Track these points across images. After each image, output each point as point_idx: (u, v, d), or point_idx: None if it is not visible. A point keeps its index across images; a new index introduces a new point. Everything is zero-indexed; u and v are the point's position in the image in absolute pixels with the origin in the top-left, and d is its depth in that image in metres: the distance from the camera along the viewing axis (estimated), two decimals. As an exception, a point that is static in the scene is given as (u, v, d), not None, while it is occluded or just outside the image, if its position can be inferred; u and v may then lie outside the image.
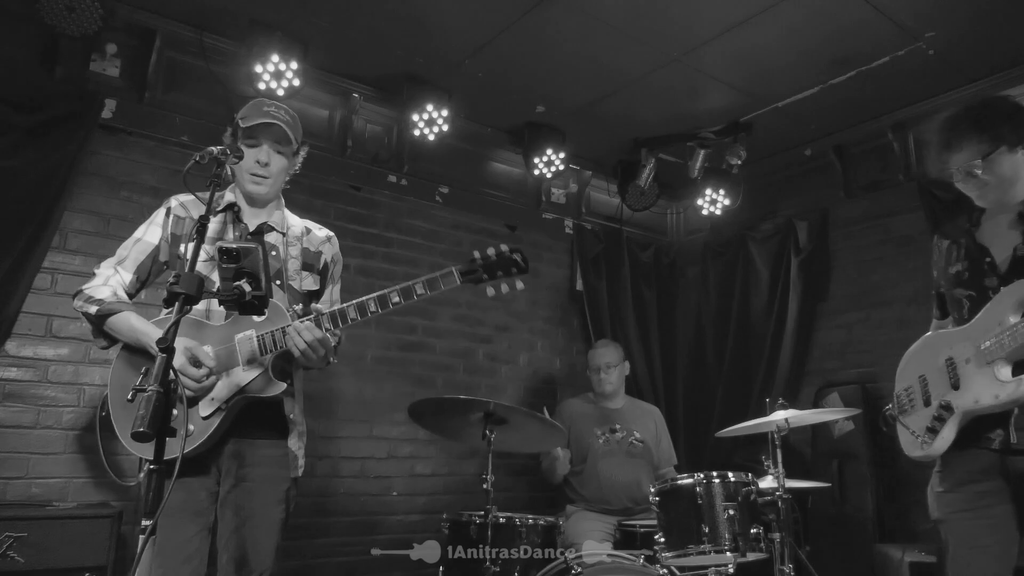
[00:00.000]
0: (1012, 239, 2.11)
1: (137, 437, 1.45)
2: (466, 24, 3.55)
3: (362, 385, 4.05)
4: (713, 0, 3.31)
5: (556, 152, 4.49)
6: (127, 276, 2.23)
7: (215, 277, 2.14)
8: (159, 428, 1.47)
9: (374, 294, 2.12)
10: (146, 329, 2.11)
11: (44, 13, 3.15)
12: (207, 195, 2.10)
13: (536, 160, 4.51)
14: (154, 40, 3.54)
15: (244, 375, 2.10)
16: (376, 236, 4.23)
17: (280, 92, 3.63)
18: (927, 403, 2.18)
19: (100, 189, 3.43)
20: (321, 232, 2.44)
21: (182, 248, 2.23)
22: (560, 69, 3.92)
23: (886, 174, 4.39)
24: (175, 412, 2.02)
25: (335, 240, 2.48)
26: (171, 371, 1.53)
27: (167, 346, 1.53)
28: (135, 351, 2.14)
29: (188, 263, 1.68)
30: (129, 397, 1.97)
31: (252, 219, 2.31)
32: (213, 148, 1.90)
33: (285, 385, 2.13)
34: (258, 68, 3.55)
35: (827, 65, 3.80)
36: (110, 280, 2.21)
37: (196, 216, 2.23)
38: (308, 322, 2.08)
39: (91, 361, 3.29)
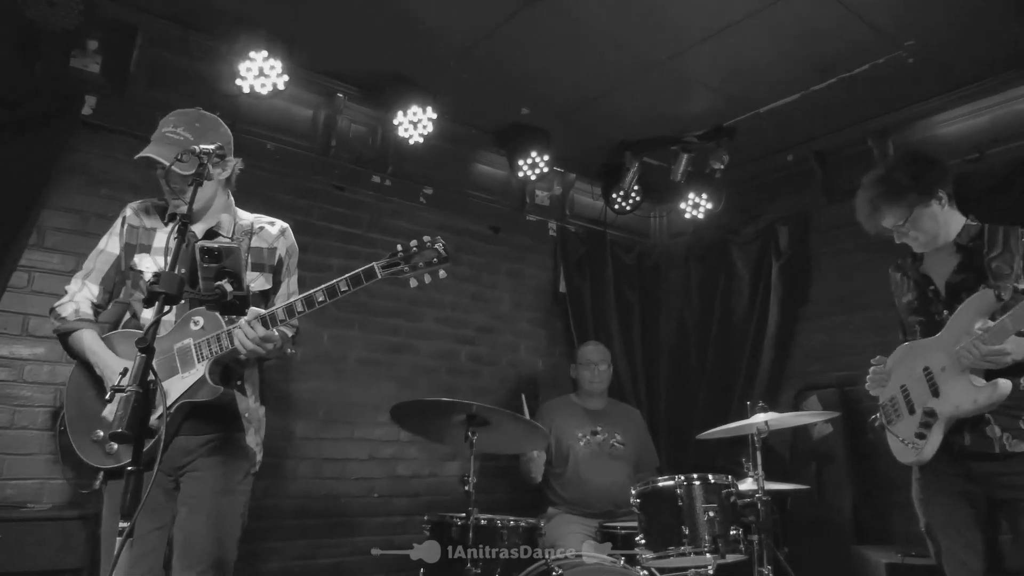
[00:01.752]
0: (948, 268, 2.40)
1: (116, 438, 1.45)
2: (452, 25, 3.55)
3: (344, 387, 4.03)
4: (697, 6, 3.33)
5: (540, 154, 4.50)
6: (94, 288, 2.29)
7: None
8: (138, 429, 1.46)
9: (302, 294, 2.16)
10: (95, 348, 2.17)
11: (25, 7, 3.11)
12: (163, 201, 2.24)
13: (520, 162, 4.51)
14: (136, 36, 3.50)
15: (182, 382, 2.13)
16: (359, 236, 4.22)
17: (263, 91, 3.61)
18: (911, 411, 2.36)
19: (80, 186, 3.38)
20: (274, 227, 2.43)
21: (135, 260, 2.25)
22: (546, 71, 3.93)
23: (866, 180, 4.44)
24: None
25: (289, 232, 2.47)
26: (151, 371, 1.52)
27: (146, 346, 1.52)
28: (90, 368, 2.19)
29: (169, 263, 1.68)
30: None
31: (199, 226, 2.31)
32: (195, 146, 1.91)
33: (222, 389, 2.14)
34: (242, 66, 3.52)
35: (809, 71, 3.84)
36: (76, 296, 2.27)
37: (148, 225, 2.29)
38: (253, 320, 2.09)
39: (68, 361, 3.17)
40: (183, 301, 1.72)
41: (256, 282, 2.31)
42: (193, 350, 2.13)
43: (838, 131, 4.46)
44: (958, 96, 3.96)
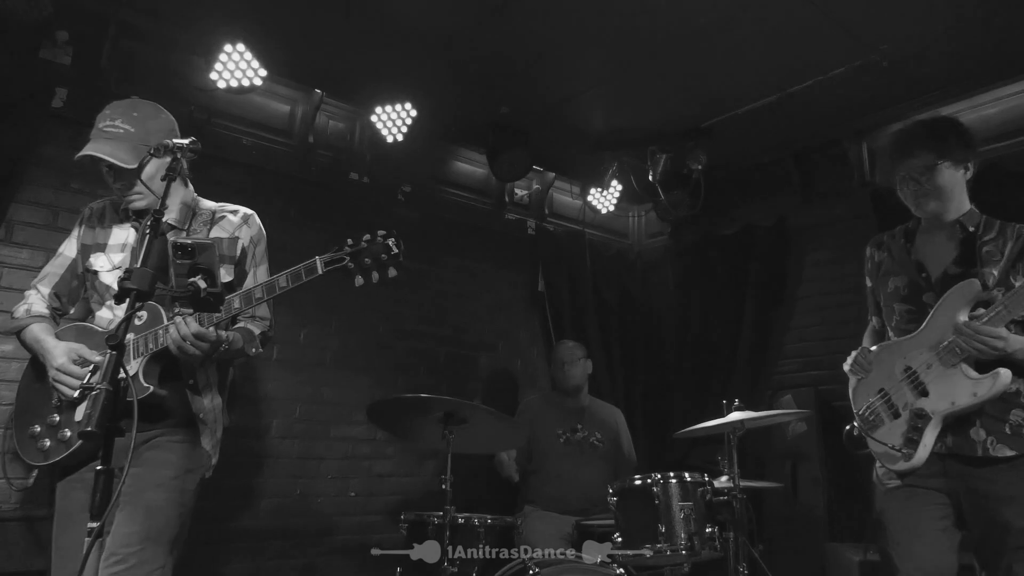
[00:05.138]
0: (947, 255, 2.24)
1: (85, 437, 1.42)
2: (432, 22, 3.53)
3: (321, 385, 3.99)
4: (675, 6, 3.34)
5: (520, 153, 4.48)
6: (45, 291, 2.25)
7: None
8: (107, 427, 1.43)
9: (239, 291, 2.08)
10: (39, 336, 2.13)
11: (-7, -2, 3.04)
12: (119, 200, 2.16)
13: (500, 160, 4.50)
14: (108, 28, 3.43)
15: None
16: (337, 235, 4.11)
17: (240, 85, 3.57)
18: (896, 415, 2.22)
19: (49, 180, 3.32)
20: (236, 215, 2.32)
21: (90, 260, 2.20)
22: (525, 70, 3.93)
23: (842, 182, 4.49)
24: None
25: (254, 219, 2.35)
26: (121, 369, 1.49)
27: (117, 343, 1.49)
28: (39, 363, 2.14)
29: (141, 258, 1.64)
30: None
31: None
32: (169, 140, 1.87)
33: (151, 390, 2.02)
34: (217, 61, 3.48)
35: (785, 74, 3.87)
36: (29, 298, 2.24)
37: (107, 222, 2.25)
38: (188, 318, 1.98)
39: (37, 358, 3.18)
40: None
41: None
42: (131, 346, 2.03)
43: (814, 133, 4.50)
44: (929, 100, 4.02)
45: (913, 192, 2.24)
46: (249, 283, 2.28)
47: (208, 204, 2.34)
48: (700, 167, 4.45)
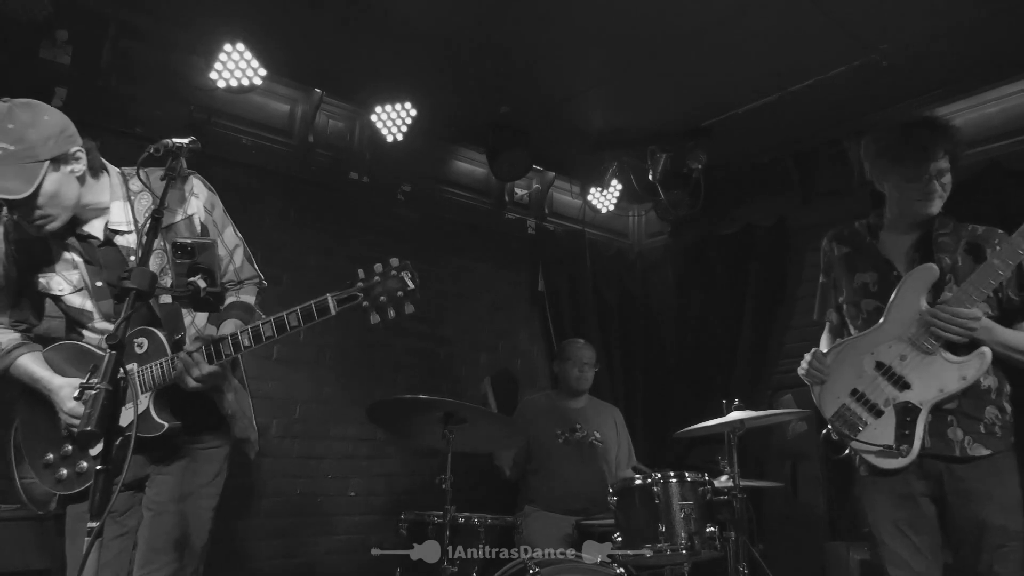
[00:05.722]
0: (910, 252, 2.26)
1: (83, 436, 1.41)
2: (432, 22, 3.53)
3: (321, 385, 4.00)
4: (675, 7, 3.34)
5: (520, 153, 4.48)
6: (3, 319, 2.09)
7: (89, 307, 2.04)
8: (107, 427, 1.43)
9: (249, 327, 1.92)
10: (36, 374, 2.03)
11: (-7, -2, 3.04)
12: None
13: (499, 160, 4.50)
14: (108, 27, 3.43)
15: (126, 413, 1.82)
16: (337, 234, 4.18)
17: (239, 85, 3.57)
18: (878, 413, 2.17)
19: (49, 180, 3.31)
20: (184, 192, 2.10)
21: (43, 282, 2.03)
22: (525, 70, 3.93)
23: (842, 181, 4.49)
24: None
25: (199, 185, 2.12)
26: (121, 368, 1.48)
27: (117, 343, 1.48)
28: (35, 391, 2.06)
29: (140, 257, 1.64)
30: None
31: (95, 223, 2.04)
32: (168, 140, 1.82)
33: (167, 426, 1.95)
34: (217, 60, 3.48)
35: (785, 74, 3.87)
36: None
37: (45, 239, 2.03)
38: (197, 356, 1.90)
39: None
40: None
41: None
42: (137, 377, 1.95)
43: (814, 133, 4.50)
44: (930, 99, 4.02)
45: (928, 192, 2.18)
46: (222, 253, 2.14)
47: (138, 185, 2.07)
48: (700, 167, 4.45)
